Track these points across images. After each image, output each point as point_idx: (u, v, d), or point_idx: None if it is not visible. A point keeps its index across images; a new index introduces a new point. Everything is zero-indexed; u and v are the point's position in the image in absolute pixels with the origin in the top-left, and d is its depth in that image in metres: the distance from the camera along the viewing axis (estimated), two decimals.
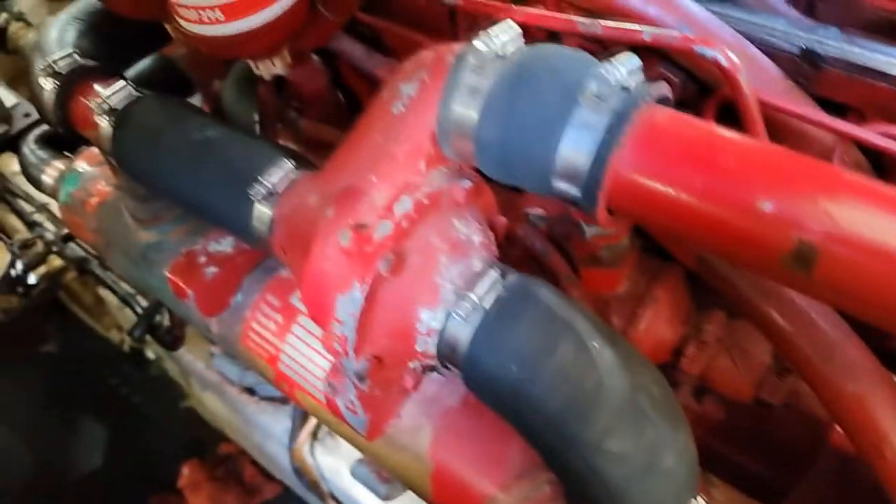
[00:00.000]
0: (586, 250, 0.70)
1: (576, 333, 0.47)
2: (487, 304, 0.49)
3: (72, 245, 1.56)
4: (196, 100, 1.15)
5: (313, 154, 0.72)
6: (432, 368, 0.61)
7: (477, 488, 0.62)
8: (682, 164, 0.40)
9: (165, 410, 1.86)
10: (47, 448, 1.83)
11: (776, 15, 0.62)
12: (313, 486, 1.30)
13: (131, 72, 1.05)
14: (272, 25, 0.68)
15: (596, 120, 0.42)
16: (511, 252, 0.77)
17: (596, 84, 0.42)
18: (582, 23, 0.53)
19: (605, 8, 0.62)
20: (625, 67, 0.42)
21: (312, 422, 1.25)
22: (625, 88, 0.42)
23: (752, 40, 0.61)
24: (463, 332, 0.50)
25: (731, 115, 0.56)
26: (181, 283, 0.73)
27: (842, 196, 0.37)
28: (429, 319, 0.51)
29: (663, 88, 0.45)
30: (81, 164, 0.90)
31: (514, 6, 0.55)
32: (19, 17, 1.82)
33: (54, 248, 1.51)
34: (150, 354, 1.62)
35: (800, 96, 0.59)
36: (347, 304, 0.49)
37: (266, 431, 1.46)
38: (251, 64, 0.79)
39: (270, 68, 0.78)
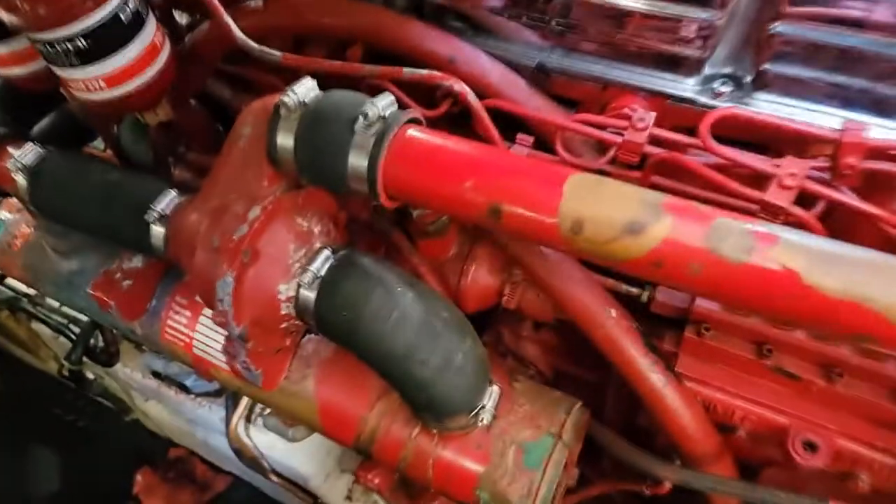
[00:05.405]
0: (418, 227, 0.92)
1: (383, 284, 0.69)
2: (323, 272, 0.71)
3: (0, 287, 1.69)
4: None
5: (201, 178, 0.91)
6: (308, 331, 0.83)
7: (352, 413, 0.84)
8: (419, 163, 0.63)
9: (111, 428, 2.00)
10: (5, 479, 1.95)
11: (519, 40, 0.85)
12: (253, 462, 1.48)
13: (39, 128, 1.21)
14: (147, 87, 0.86)
15: (366, 141, 0.64)
16: (366, 234, 0.98)
17: (363, 118, 0.64)
18: (365, 69, 0.75)
19: (408, 48, 0.84)
20: (382, 103, 0.64)
21: (242, 405, 1.44)
22: (382, 118, 0.64)
23: (503, 60, 0.84)
24: (310, 296, 0.72)
25: None
26: (104, 297, 0.91)
27: (510, 174, 0.60)
28: (286, 290, 0.73)
29: (414, 113, 0.67)
30: (3, 213, 1.07)
31: (319, 60, 0.77)
32: None
33: None
34: (90, 375, 1.76)
35: (539, 98, 0.82)
36: (223, 287, 0.69)
37: (207, 425, 1.64)
38: (138, 115, 0.97)
39: (153, 118, 0.96)
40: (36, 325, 1.74)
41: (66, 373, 1.66)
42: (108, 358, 1.55)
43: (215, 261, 0.70)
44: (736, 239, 0.52)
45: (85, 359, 1.59)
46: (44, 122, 1.15)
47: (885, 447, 0.69)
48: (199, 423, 1.66)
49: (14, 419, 2.05)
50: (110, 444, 2.05)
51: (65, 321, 1.64)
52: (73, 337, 1.60)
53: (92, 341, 1.61)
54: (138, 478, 1.93)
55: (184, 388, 1.52)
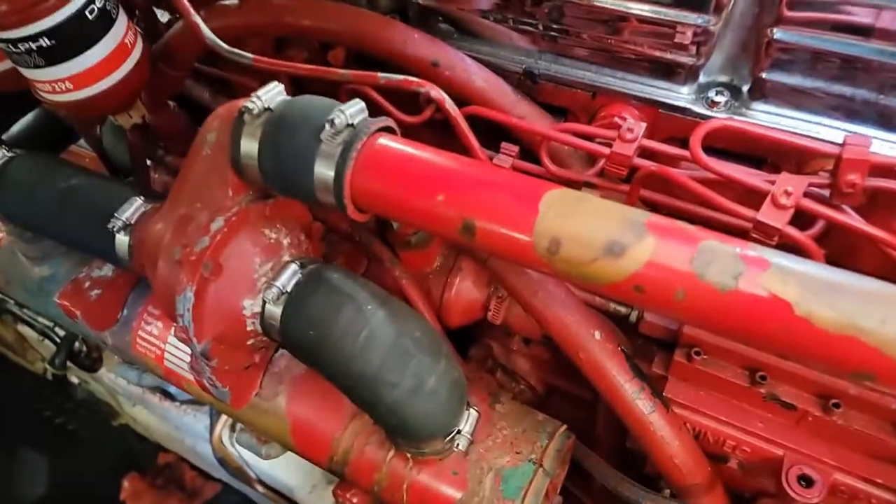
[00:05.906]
0: (400, 238, 0.88)
1: (353, 301, 0.65)
2: (290, 288, 0.67)
3: None
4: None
5: None
6: (280, 346, 0.79)
7: (325, 433, 0.80)
8: (389, 174, 0.58)
9: (100, 432, 1.97)
10: None
11: (506, 44, 0.81)
12: (238, 472, 1.45)
13: (17, 127, 1.18)
14: (116, 88, 0.82)
15: (333, 150, 0.60)
16: (346, 246, 0.94)
17: (330, 126, 0.59)
18: (339, 73, 0.71)
19: (390, 51, 0.80)
20: (351, 110, 0.60)
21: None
22: (350, 126, 0.60)
23: (489, 65, 0.80)
24: (275, 312, 0.68)
25: None
26: (70, 307, 0.87)
27: (484, 188, 0.56)
28: (250, 306, 0.69)
29: (386, 121, 0.63)
30: None
31: (293, 63, 0.73)
32: None
33: None
34: (74, 379, 1.73)
35: (525, 105, 0.78)
36: (184, 302, 0.66)
37: (192, 432, 1.61)
38: (111, 117, 0.94)
39: (128, 120, 0.92)
40: (22, 328, 1.71)
41: (49, 376, 1.63)
42: (91, 363, 1.52)
43: (176, 274, 0.67)
44: (723, 263, 0.48)
45: (69, 363, 1.56)
46: (21, 124, 1.12)
47: (883, 482, 0.65)
48: (185, 430, 1.62)
49: (3, 421, 2.03)
50: (99, 447, 2.02)
51: (50, 324, 1.61)
52: (58, 340, 1.57)
53: (77, 345, 1.58)
54: (125, 483, 1.89)
55: (168, 396, 1.49)
